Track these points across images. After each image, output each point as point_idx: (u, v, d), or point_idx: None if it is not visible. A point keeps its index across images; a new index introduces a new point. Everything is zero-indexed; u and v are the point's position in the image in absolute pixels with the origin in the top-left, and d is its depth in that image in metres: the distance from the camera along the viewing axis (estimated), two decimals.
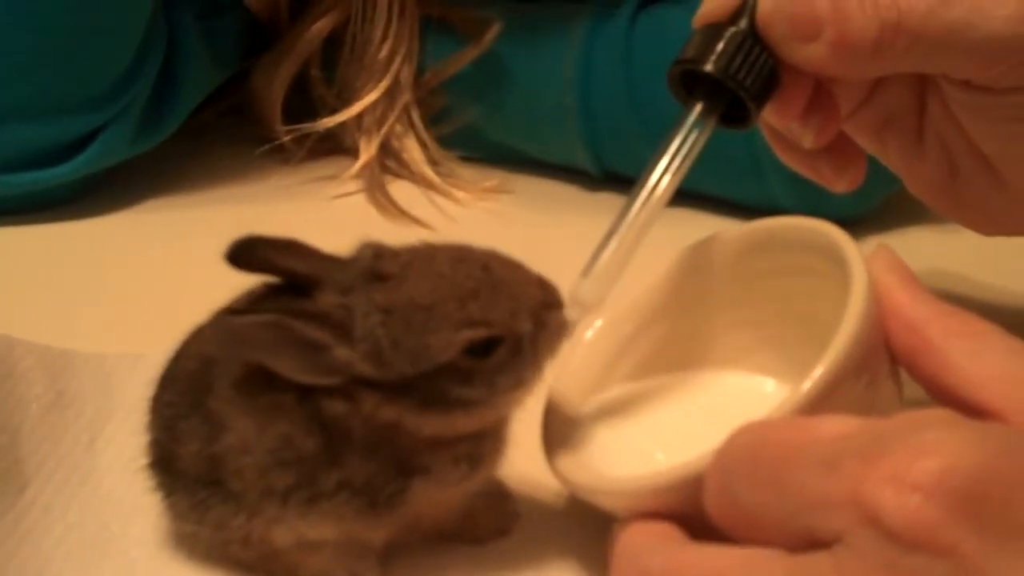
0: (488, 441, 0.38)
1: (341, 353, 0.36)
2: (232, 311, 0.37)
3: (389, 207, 0.71)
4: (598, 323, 0.43)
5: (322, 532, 0.38)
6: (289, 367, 0.36)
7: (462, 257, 0.37)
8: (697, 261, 0.43)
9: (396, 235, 0.39)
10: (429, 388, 0.36)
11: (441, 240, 0.38)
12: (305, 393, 0.36)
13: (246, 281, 0.38)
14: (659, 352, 0.43)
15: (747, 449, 0.30)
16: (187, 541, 0.41)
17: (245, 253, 0.36)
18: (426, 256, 0.37)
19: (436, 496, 0.38)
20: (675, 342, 0.43)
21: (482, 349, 0.36)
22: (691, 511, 0.32)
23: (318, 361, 0.36)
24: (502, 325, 0.36)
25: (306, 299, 0.36)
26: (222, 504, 0.38)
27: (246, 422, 0.37)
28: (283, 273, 0.37)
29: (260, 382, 0.37)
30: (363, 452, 0.37)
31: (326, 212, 0.71)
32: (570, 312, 0.38)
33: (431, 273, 0.36)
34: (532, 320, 0.37)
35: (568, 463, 0.39)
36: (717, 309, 0.43)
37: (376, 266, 0.36)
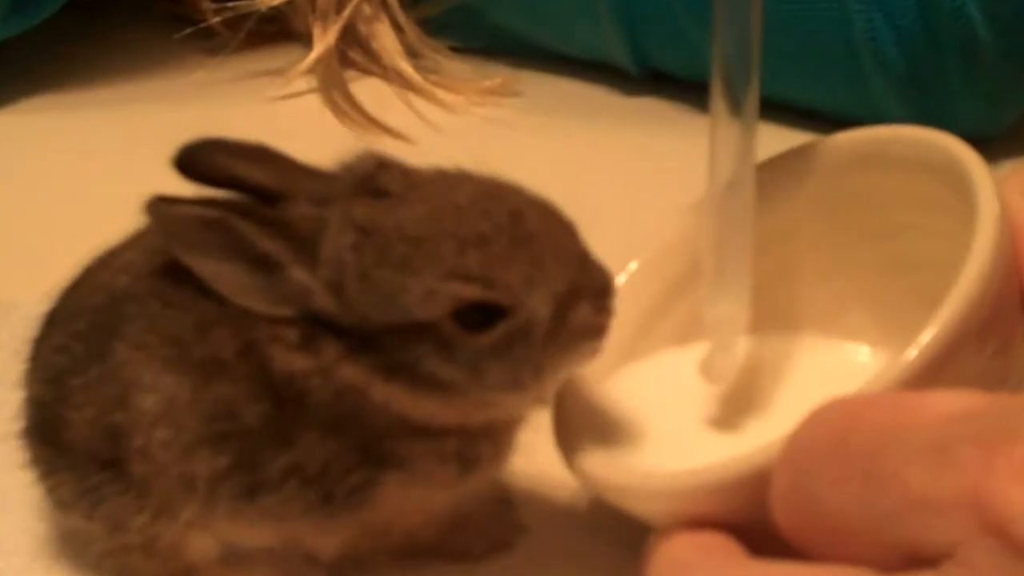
0: (485, 443, 0.39)
1: (298, 275, 0.37)
2: (166, 198, 0.37)
3: (351, 112, 0.71)
4: (632, 266, 0.43)
5: (258, 536, 0.39)
6: (229, 283, 0.37)
7: (493, 193, 0.37)
8: (768, 186, 0.42)
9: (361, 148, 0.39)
10: (398, 350, 0.37)
11: (479, 171, 0.38)
12: (250, 345, 0.37)
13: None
14: None
15: (830, 433, 0.30)
16: (71, 545, 0.41)
17: (199, 159, 0.38)
18: (448, 183, 0.37)
19: (413, 498, 0.39)
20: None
21: (476, 318, 0.37)
22: (752, 517, 0.32)
23: (268, 281, 0.37)
24: (507, 292, 0.36)
25: (268, 204, 0.37)
26: (120, 495, 0.38)
27: (169, 380, 0.37)
28: (247, 187, 0.38)
29: (191, 329, 0.37)
30: (322, 426, 0.37)
31: (267, 117, 0.71)
32: (714, 338, 0.39)
33: (443, 200, 0.37)
34: (554, 303, 0.37)
35: (590, 455, 0.39)
36: (794, 251, 0.43)
37: (374, 178, 0.37)
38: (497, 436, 0.40)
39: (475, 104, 0.72)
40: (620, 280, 0.43)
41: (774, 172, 0.43)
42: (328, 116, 0.71)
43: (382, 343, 0.37)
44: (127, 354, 0.38)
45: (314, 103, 0.72)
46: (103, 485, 0.38)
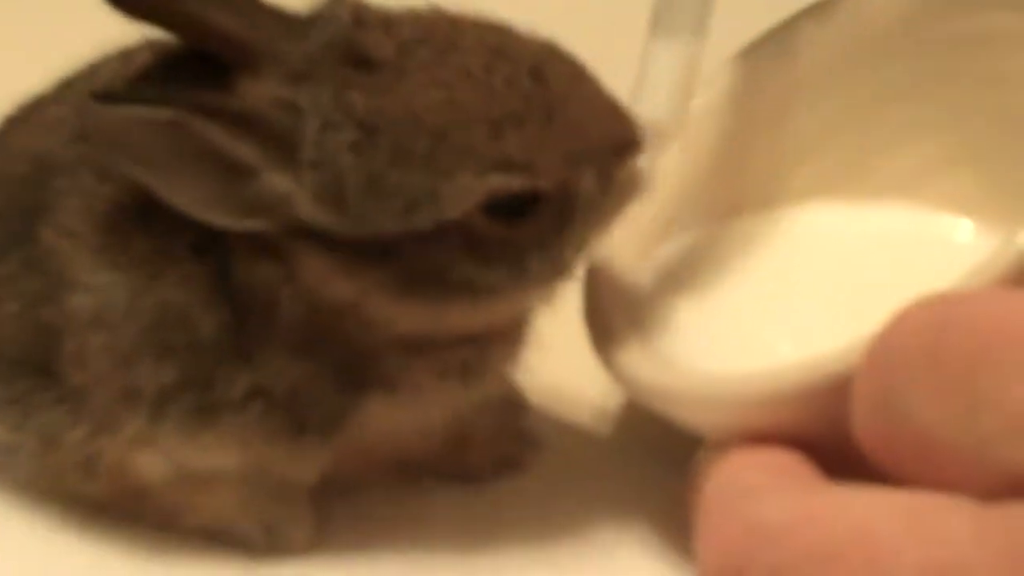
0: (496, 347, 0.38)
1: (275, 181, 0.35)
2: (99, 94, 0.35)
3: None
4: None
5: (217, 460, 0.38)
6: (190, 196, 0.35)
7: (501, 49, 0.36)
8: (819, 31, 0.42)
9: None
10: (416, 259, 0.35)
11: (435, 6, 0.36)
12: (207, 240, 0.36)
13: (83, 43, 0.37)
14: (767, 172, 0.42)
15: (925, 337, 0.29)
16: None
17: None
18: (443, 36, 0.36)
19: (404, 419, 0.38)
20: (794, 155, 0.43)
21: (512, 208, 0.35)
22: (827, 431, 0.32)
23: (237, 190, 0.35)
24: (551, 174, 0.35)
25: (226, 87, 0.35)
26: (53, 406, 0.37)
27: (106, 277, 0.36)
28: (200, 31, 0.36)
29: (135, 214, 0.36)
30: (291, 347, 0.36)
31: None
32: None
33: (450, 68, 0.35)
34: (598, 172, 0.36)
35: (629, 350, 0.38)
36: (871, 97, 0.42)
37: (357, 40, 0.36)
38: (511, 334, 0.39)
39: None
40: None
41: (828, 14, 0.42)
42: None
43: (391, 252, 0.36)
44: (54, 241, 0.37)
45: None
46: (33, 393, 0.37)
